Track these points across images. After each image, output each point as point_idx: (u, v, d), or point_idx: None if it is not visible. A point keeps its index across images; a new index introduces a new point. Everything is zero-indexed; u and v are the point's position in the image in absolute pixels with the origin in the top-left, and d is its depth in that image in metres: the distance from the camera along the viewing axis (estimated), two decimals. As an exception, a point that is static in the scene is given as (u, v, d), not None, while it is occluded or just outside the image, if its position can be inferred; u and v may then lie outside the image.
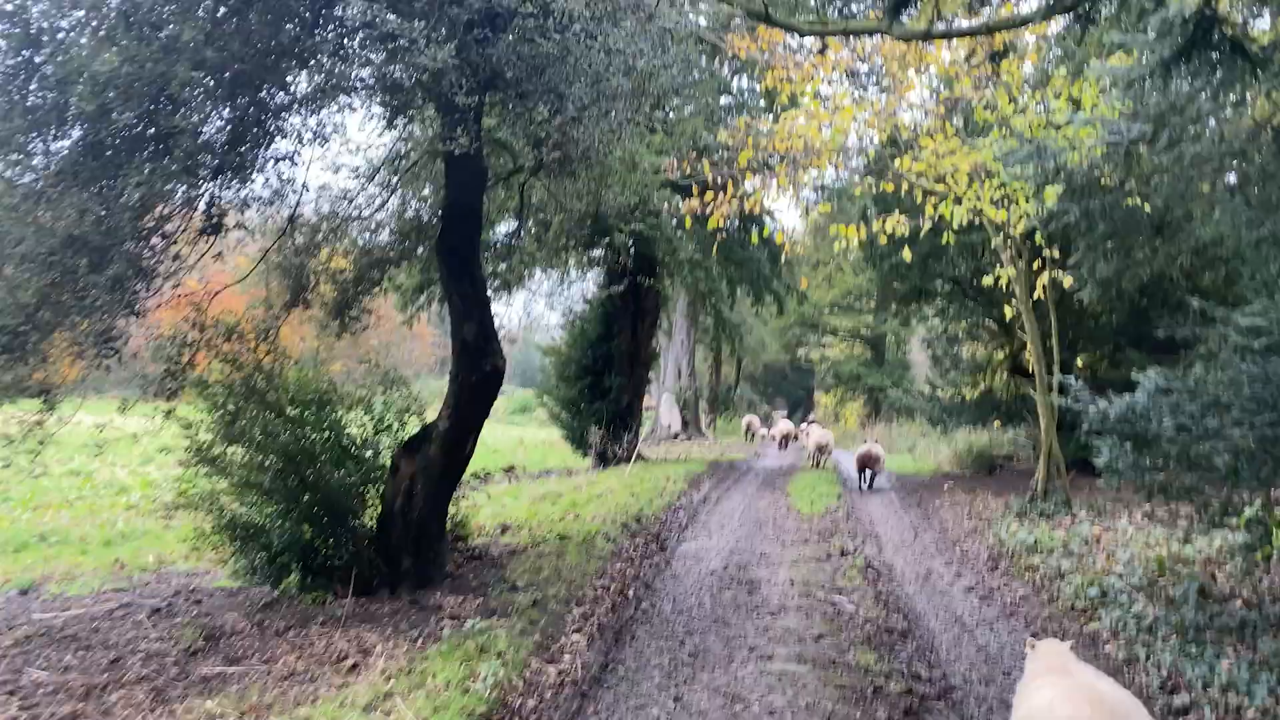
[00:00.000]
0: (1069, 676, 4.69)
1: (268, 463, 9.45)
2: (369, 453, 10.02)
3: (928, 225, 15.10)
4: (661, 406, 36.32)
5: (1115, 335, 17.87)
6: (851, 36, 14.91)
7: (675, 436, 35.19)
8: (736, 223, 19.94)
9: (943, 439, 32.27)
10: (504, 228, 16.97)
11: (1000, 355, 22.85)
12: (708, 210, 12.86)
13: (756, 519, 14.57)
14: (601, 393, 21.89)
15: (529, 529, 12.44)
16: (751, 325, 43.05)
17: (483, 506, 15.46)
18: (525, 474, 21.51)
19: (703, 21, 17.62)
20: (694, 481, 18.26)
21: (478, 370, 9.30)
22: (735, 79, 21.74)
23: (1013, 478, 20.06)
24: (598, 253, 20.63)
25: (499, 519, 13.54)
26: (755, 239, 13.97)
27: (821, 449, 25.56)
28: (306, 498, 9.32)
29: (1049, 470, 13.99)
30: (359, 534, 9.50)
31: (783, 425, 38.88)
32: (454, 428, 9.45)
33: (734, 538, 12.87)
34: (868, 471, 19.29)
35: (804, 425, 41.23)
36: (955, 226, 14.67)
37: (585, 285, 23.39)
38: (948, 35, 11.40)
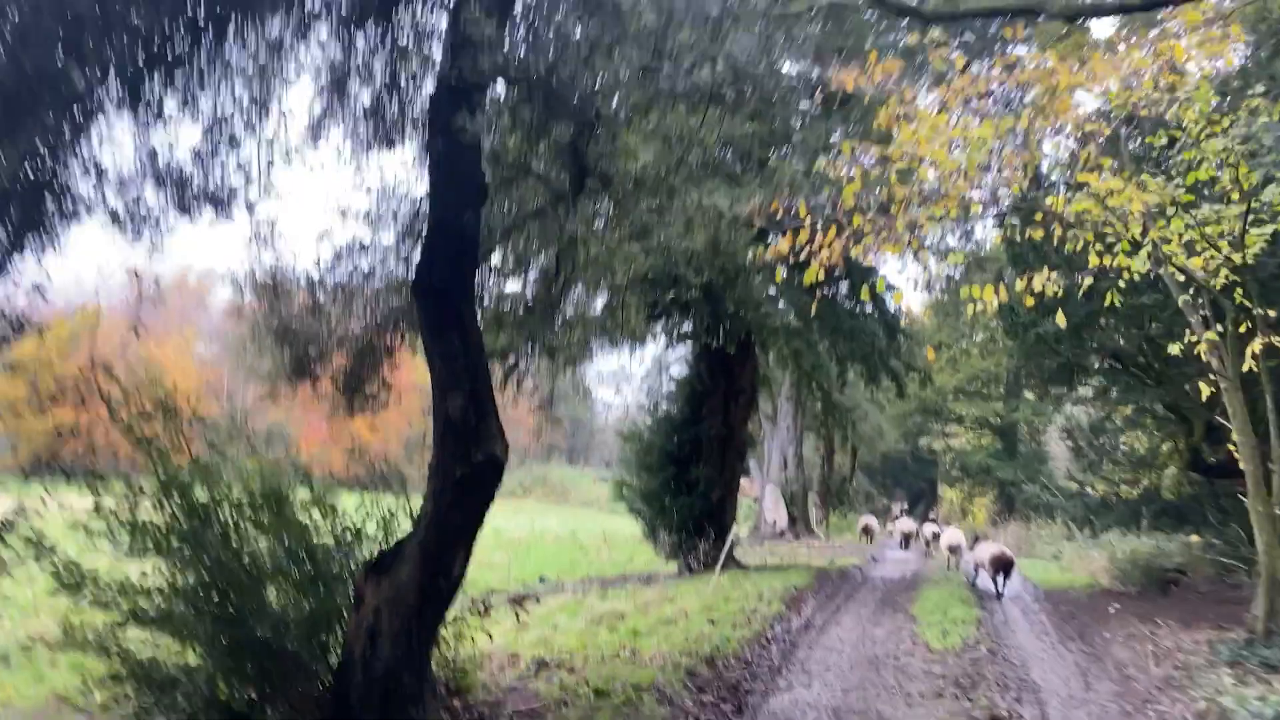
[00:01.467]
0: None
1: (189, 583, 6.94)
2: (337, 569, 7.41)
3: (1087, 281, 11.90)
4: (765, 501, 32.96)
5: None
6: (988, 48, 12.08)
7: (781, 535, 31.72)
8: (843, 282, 17.05)
9: (1093, 544, 27.95)
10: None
11: (1169, 446, 18.96)
12: (802, 256, 10.02)
13: (872, 657, 11.26)
14: (687, 485, 18.94)
15: (568, 669, 9.51)
16: (866, 411, 39.45)
17: (530, 628, 12.62)
18: (594, 582, 18.57)
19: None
20: (794, 599, 15.00)
21: (466, 461, 6.59)
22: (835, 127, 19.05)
23: (1198, 601, 16.03)
24: (679, 321, 17.96)
25: (541, 648, 10.66)
26: (866, 295, 11.07)
27: (954, 550, 22.00)
28: (234, 636, 6.72)
29: (1272, 602, 10.32)
30: (307, 698, 6.81)
31: (905, 523, 35.08)
32: (434, 540, 6.73)
33: (841, 689, 9.63)
34: (1000, 577, 17.60)
35: (927, 524, 37.23)
36: (1131, 277, 11.43)
37: (667, 355, 20.71)
38: (1123, 9, 8.48)
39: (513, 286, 14.85)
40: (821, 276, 10.30)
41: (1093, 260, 11.36)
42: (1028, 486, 42.38)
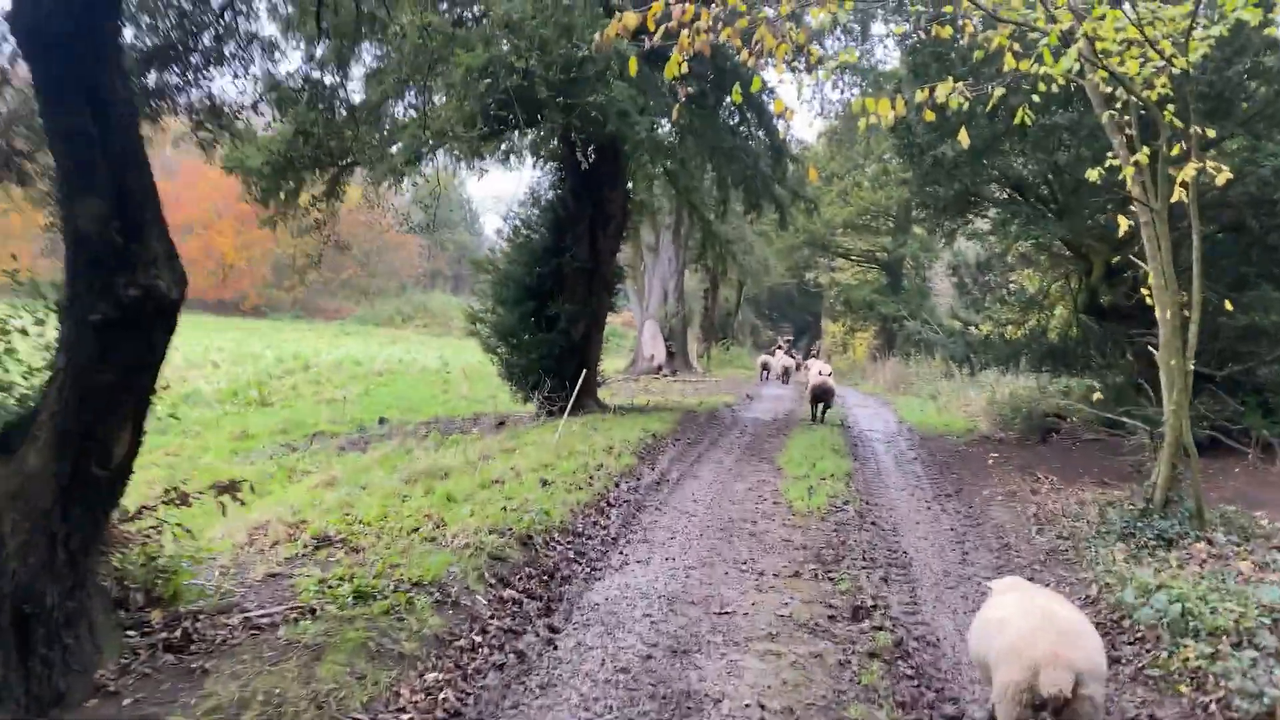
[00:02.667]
0: (1026, 596, 4.92)
1: None
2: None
3: (998, 93, 10.01)
4: (644, 335, 31.45)
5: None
6: None
7: (659, 370, 30.40)
8: (714, 86, 14.84)
9: (971, 383, 27.53)
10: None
11: (1059, 286, 17.84)
12: (657, 37, 7.78)
13: (726, 522, 9.80)
14: (547, 321, 16.99)
15: (352, 548, 7.69)
16: (751, 244, 37.91)
17: (339, 485, 10.76)
18: (439, 425, 16.76)
19: None
20: (650, 449, 13.48)
21: (109, 297, 4.41)
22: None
23: (1080, 454, 15.21)
24: (536, 135, 15.55)
25: (333, 517, 8.81)
26: (737, 96, 8.94)
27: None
28: None
29: (1174, 468, 9.13)
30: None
31: (781, 359, 34.34)
32: (73, 412, 4.61)
33: (683, 567, 8.11)
34: (820, 405, 19.51)
35: (807, 361, 36.71)
36: (1045, 90, 9.58)
37: (542, 180, 18.28)
38: None
39: (328, 79, 12.22)
40: (683, 70, 8.10)
41: (1009, 63, 9.42)
42: (909, 323, 41.87)
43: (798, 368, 34.75)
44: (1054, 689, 4.16)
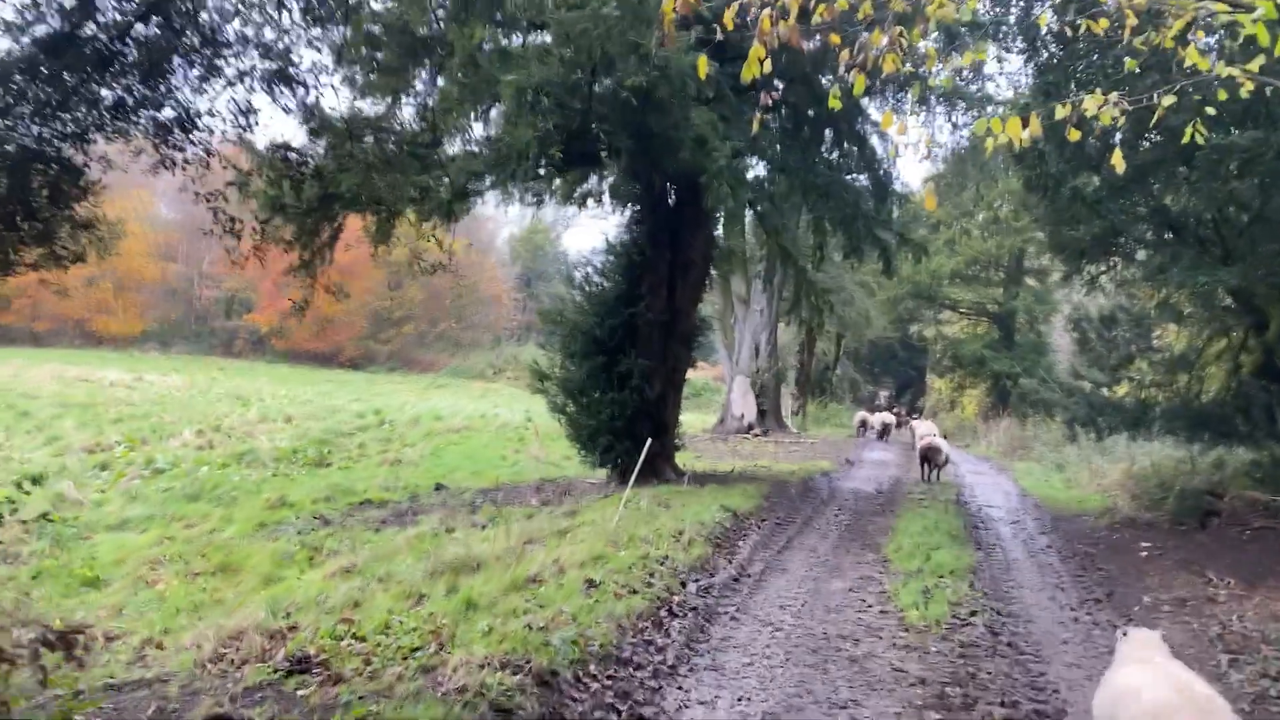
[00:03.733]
0: (1158, 665, 4.74)
1: None
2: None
3: (1166, 101, 7.87)
4: (734, 392, 29.40)
5: None
6: None
7: (749, 430, 28.28)
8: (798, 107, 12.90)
9: (1096, 449, 24.59)
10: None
11: (1222, 344, 15.20)
12: (734, 17, 5.99)
13: (819, 641, 7.71)
14: (619, 379, 15.18)
15: (329, 678, 5.92)
16: (851, 294, 35.64)
17: (358, 574, 9.11)
18: (497, 493, 15.06)
19: None
20: (731, 531, 11.42)
21: None
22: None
23: (1254, 545, 12.53)
24: (602, 171, 13.92)
25: (329, 622, 7.08)
26: (835, 100, 7.03)
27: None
28: None
29: None
30: None
31: (880, 416, 33.86)
32: None
33: (760, 714, 6.09)
34: (928, 465, 20.00)
35: (912, 421, 34.61)
36: (1226, 100, 7.42)
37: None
38: None
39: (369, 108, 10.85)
40: (764, 69, 6.28)
41: (1191, 58, 7.31)
42: (1025, 380, 38.98)
43: (898, 425, 33.54)
44: None
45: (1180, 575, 10.76)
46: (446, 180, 11.37)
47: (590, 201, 17.74)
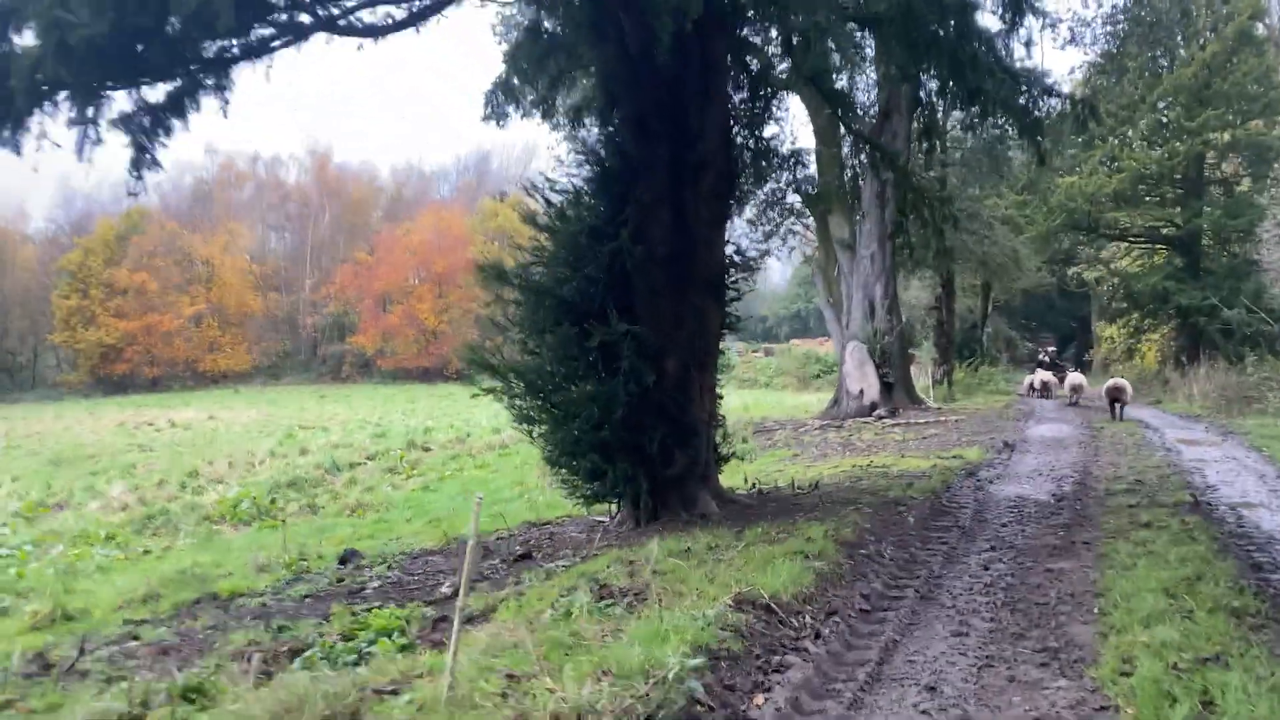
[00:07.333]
0: None
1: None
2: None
3: None
4: (846, 364, 22.88)
5: None
6: None
7: (872, 410, 21.77)
8: None
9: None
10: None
11: None
12: None
13: None
14: (604, 357, 9.32)
15: None
16: (992, 226, 28.57)
17: None
18: (455, 552, 9.46)
19: None
20: (760, 643, 5.39)
21: None
22: None
23: None
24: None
25: None
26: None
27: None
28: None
29: None
30: None
31: (1041, 374, 31.44)
32: None
33: None
34: (1117, 405, 21.09)
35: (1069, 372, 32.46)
36: None
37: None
38: None
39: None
40: None
41: None
42: (1228, 313, 30.72)
43: (1061, 382, 30.11)
44: None
45: None
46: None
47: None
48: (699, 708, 4.46)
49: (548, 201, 10.03)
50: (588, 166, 10.08)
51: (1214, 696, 4.59)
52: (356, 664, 5.96)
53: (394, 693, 4.89)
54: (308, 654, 6.21)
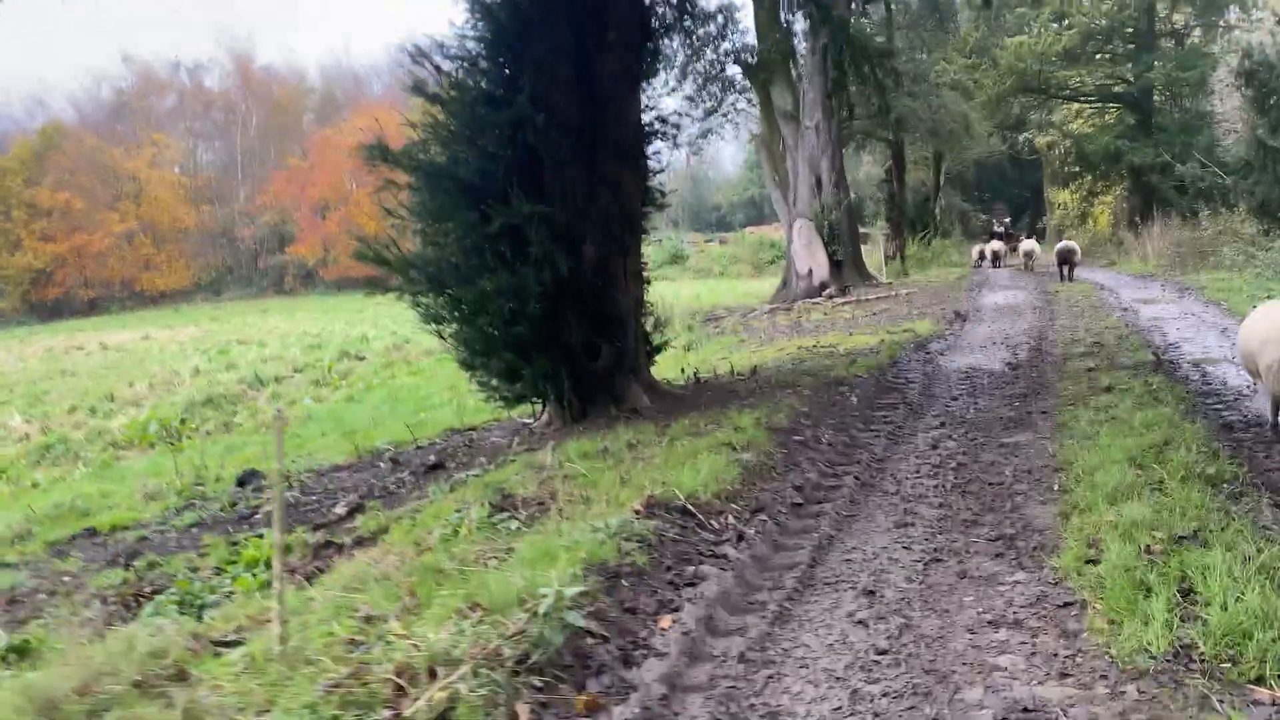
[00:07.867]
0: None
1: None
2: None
3: None
4: (794, 243, 21.99)
5: None
6: None
7: (821, 290, 21.02)
8: None
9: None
10: None
11: None
12: None
13: None
14: (516, 246, 8.36)
15: None
16: (939, 92, 27.44)
17: None
18: (350, 471, 8.62)
19: None
20: (679, 547, 4.62)
21: None
22: None
23: None
24: None
25: None
26: None
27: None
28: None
29: None
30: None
31: (993, 244, 30.98)
32: None
33: None
34: (1065, 267, 21.20)
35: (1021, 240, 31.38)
36: None
37: None
38: None
39: None
40: None
41: None
42: (1180, 168, 30.09)
43: (1012, 250, 30.41)
44: None
45: None
46: None
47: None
48: (589, 640, 3.70)
49: (438, 69, 8.86)
50: (481, 24, 8.88)
51: (1194, 583, 3.91)
52: (215, 606, 5.16)
53: (234, 644, 4.09)
54: (162, 597, 5.39)
